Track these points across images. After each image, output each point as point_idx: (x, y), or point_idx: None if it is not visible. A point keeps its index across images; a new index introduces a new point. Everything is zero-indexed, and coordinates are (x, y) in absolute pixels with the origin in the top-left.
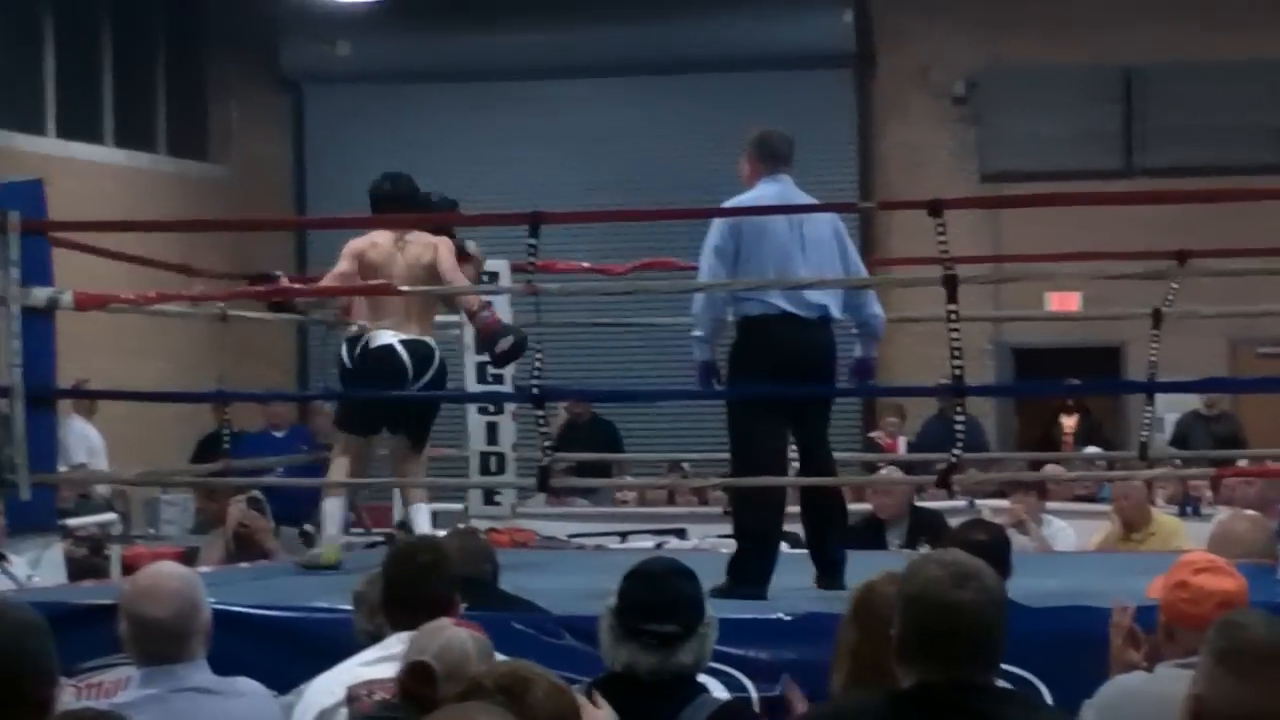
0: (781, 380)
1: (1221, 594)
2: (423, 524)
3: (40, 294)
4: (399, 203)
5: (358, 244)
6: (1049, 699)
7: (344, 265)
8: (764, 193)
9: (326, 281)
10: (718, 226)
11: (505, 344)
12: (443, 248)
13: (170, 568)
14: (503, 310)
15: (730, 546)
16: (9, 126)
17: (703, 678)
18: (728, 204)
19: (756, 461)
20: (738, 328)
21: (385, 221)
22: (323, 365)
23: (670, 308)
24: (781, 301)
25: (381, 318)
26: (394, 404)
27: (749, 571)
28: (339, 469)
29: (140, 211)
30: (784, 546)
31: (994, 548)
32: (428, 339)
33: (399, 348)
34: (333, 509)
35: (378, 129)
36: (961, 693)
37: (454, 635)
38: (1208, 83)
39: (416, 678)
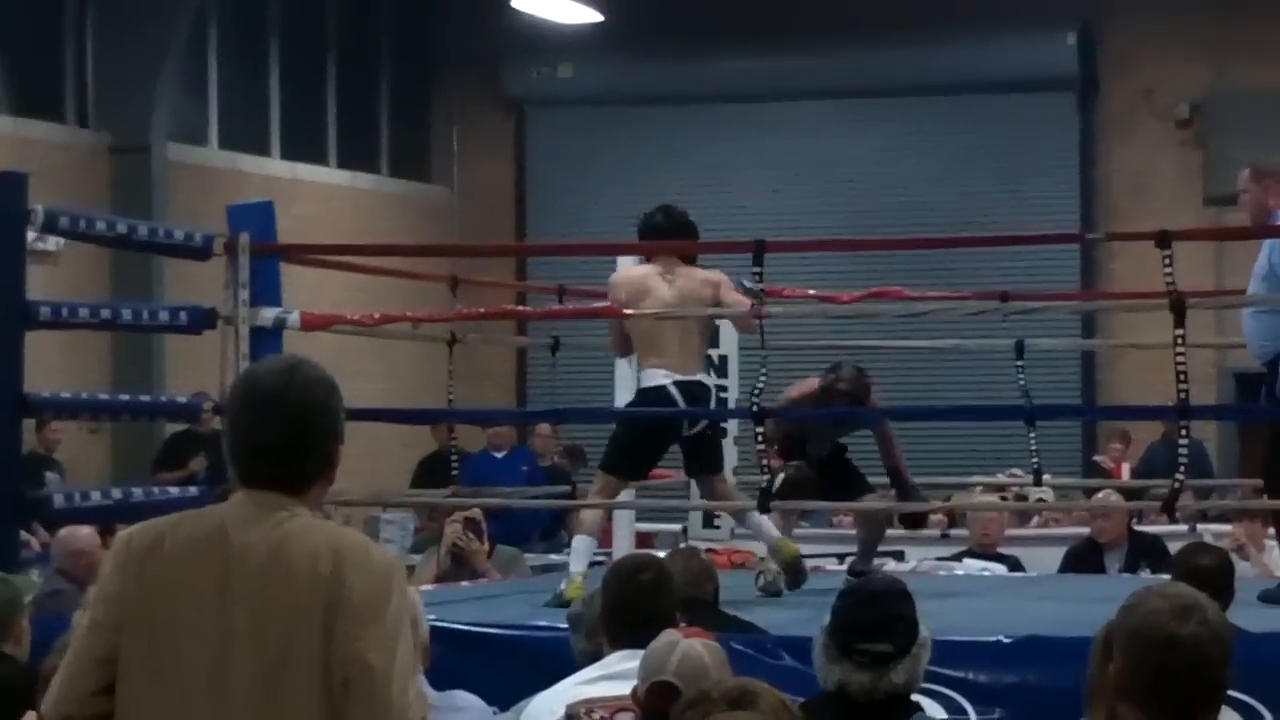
0: None
1: None
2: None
3: (268, 314)
4: (672, 234)
5: (624, 276)
6: None
7: (620, 295)
8: None
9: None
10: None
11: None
12: (725, 284)
13: None
14: (729, 334)
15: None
16: (236, 148)
17: (921, 699)
18: None
19: None
20: None
21: (612, 249)
22: (544, 386)
23: (892, 332)
24: None
25: (652, 355)
26: (664, 447)
27: None
28: (593, 511)
29: (363, 232)
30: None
31: (1218, 573)
32: (701, 377)
33: (671, 389)
34: (582, 546)
35: (599, 151)
36: None
37: (689, 648)
38: None
39: (659, 697)
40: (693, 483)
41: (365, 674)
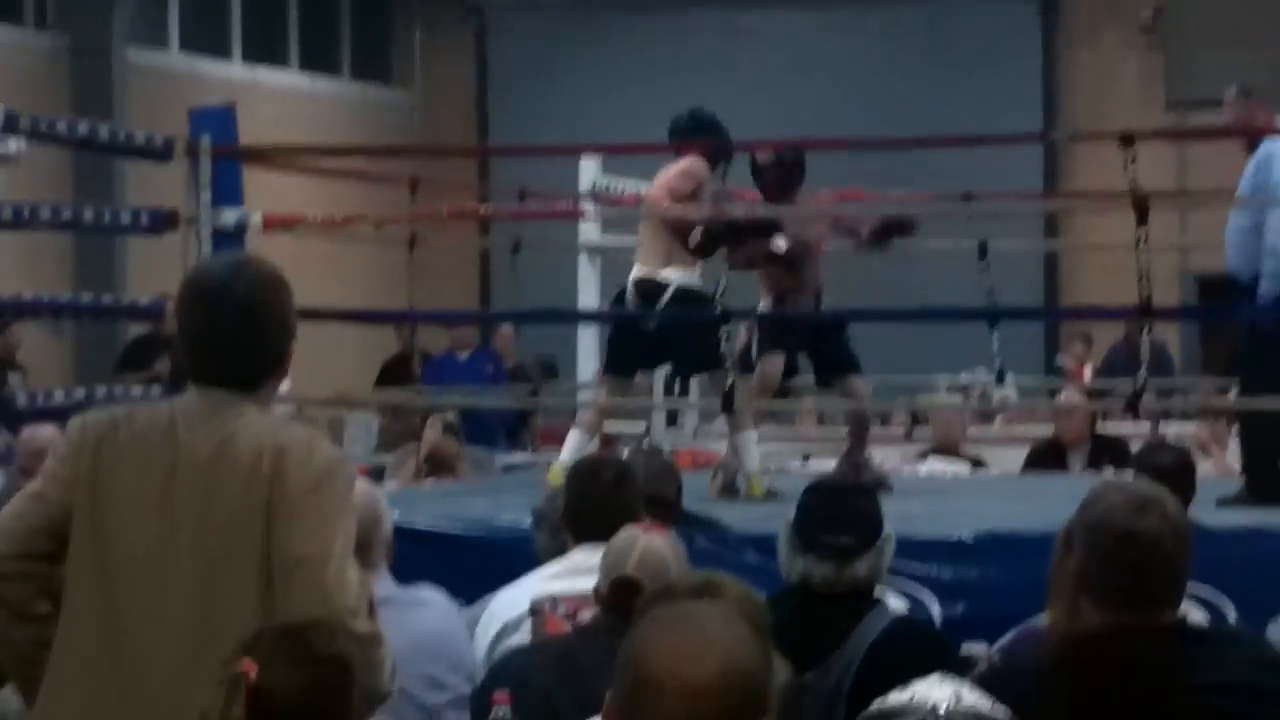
0: None
1: None
2: (748, 459)
3: (230, 216)
4: (694, 135)
5: None
6: (1235, 617)
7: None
8: None
9: None
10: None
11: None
12: (667, 174)
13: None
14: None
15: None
16: (196, 51)
17: (884, 595)
18: None
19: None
20: None
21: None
22: (507, 288)
23: None
24: None
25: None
26: (642, 346)
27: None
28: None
29: (324, 135)
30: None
31: (1178, 471)
32: (658, 275)
33: (629, 287)
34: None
35: (561, 54)
36: (1142, 639)
37: (649, 543)
38: None
39: (621, 592)
40: (655, 383)
41: (300, 565)
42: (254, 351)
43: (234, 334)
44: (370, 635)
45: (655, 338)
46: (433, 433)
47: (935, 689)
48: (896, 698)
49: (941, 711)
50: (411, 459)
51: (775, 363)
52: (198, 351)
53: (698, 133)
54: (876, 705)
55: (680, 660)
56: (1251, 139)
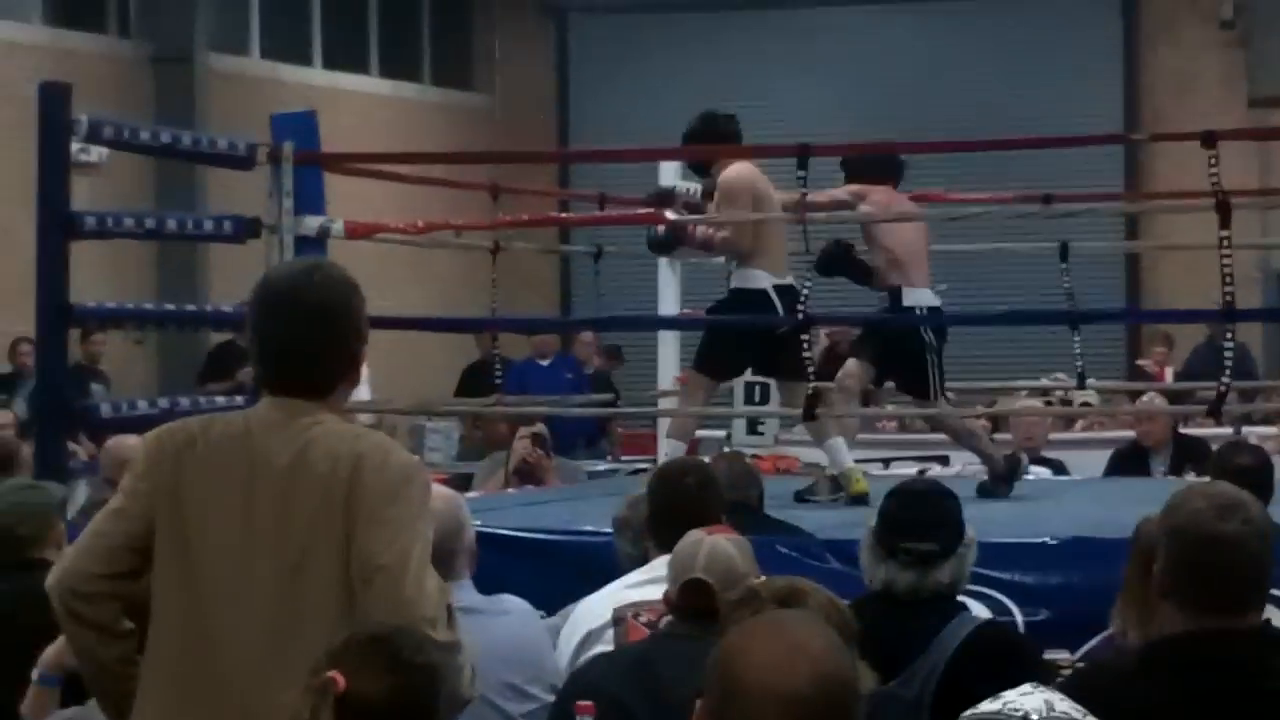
0: None
1: None
2: (840, 460)
3: (312, 223)
4: (708, 139)
5: (750, 173)
6: None
7: (749, 193)
8: None
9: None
10: None
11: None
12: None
13: (437, 489)
14: None
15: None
16: (277, 58)
17: (967, 600)
18: None
19: None
20: None
21: (653, 154)
22: (587, 294)
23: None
24: None
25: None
26: (754, 349)
27: None
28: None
29: (405, 141)
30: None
31: (1257, 472)
32: (789, 280)
33: (771, 291)
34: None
35: (640, 56)
36: (1226, 644)
37: (715, 544)
38: None
39: (692, 594)
40: (736, 388)
41: (379, 573)
42: (326, 356)
43: (305, 338)
44: (450, 643)
45: (757, 342)
46: (521, 445)
47: (1027, 698)
48: (988, 707)
49: None
50: (500, 469)
51: (859, 369)
52: (269, 356)
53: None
54: (969, 714)
55: (772, 670)
56: None
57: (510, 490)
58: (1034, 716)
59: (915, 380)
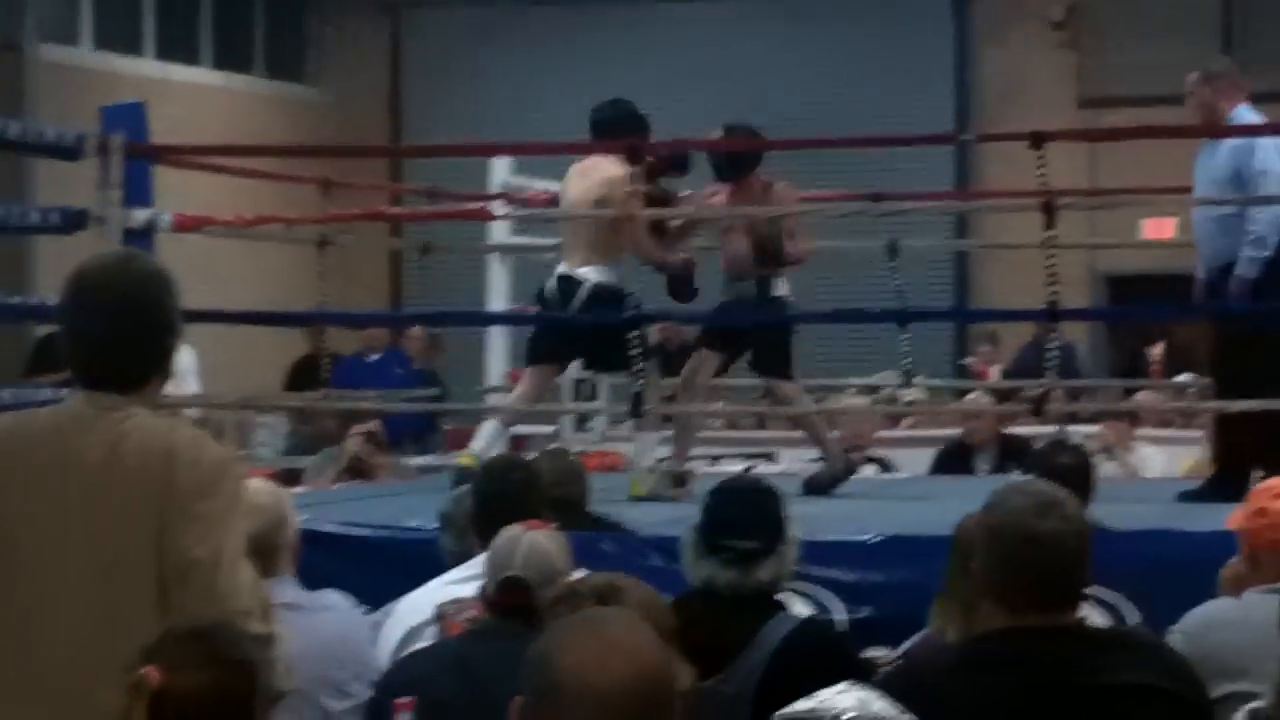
0: None
1: None
2: (646, 456)
3: (140, 215)
4: (615, 128)
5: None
6: (1138, 619)
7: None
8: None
9: None
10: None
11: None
12: (620, 184)
13: (260, 484)
14: None
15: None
16: (109, 48)
17: (788, 598)
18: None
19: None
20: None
21: (487, 150)
22: (417, 290)
23: None
24: None
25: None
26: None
27: None
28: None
29: (237, 134)
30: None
31: (1077, 471)
32: (578, 272)
33: (550, 283)
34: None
35: (477, 53)
36: (1043, 641)
37: (533, 540)
38: None
39: (510, 591)
40: (564, 385)
41: (194, 568)
42: (137, 349)
43: (116, 331)
44: (265, 635)
45: (571, 335)
46: (354, 442)
47: (842, 697)
48: (803, 706)
49: (847, 718)
50: (331, 465)
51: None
52: (80, 349)
53: (620, 129)
54: (782, 713)
55: (588, 667)
56: (1208, 127)
57: (335, 487)
58: (848, 715)
59: (776, 361)
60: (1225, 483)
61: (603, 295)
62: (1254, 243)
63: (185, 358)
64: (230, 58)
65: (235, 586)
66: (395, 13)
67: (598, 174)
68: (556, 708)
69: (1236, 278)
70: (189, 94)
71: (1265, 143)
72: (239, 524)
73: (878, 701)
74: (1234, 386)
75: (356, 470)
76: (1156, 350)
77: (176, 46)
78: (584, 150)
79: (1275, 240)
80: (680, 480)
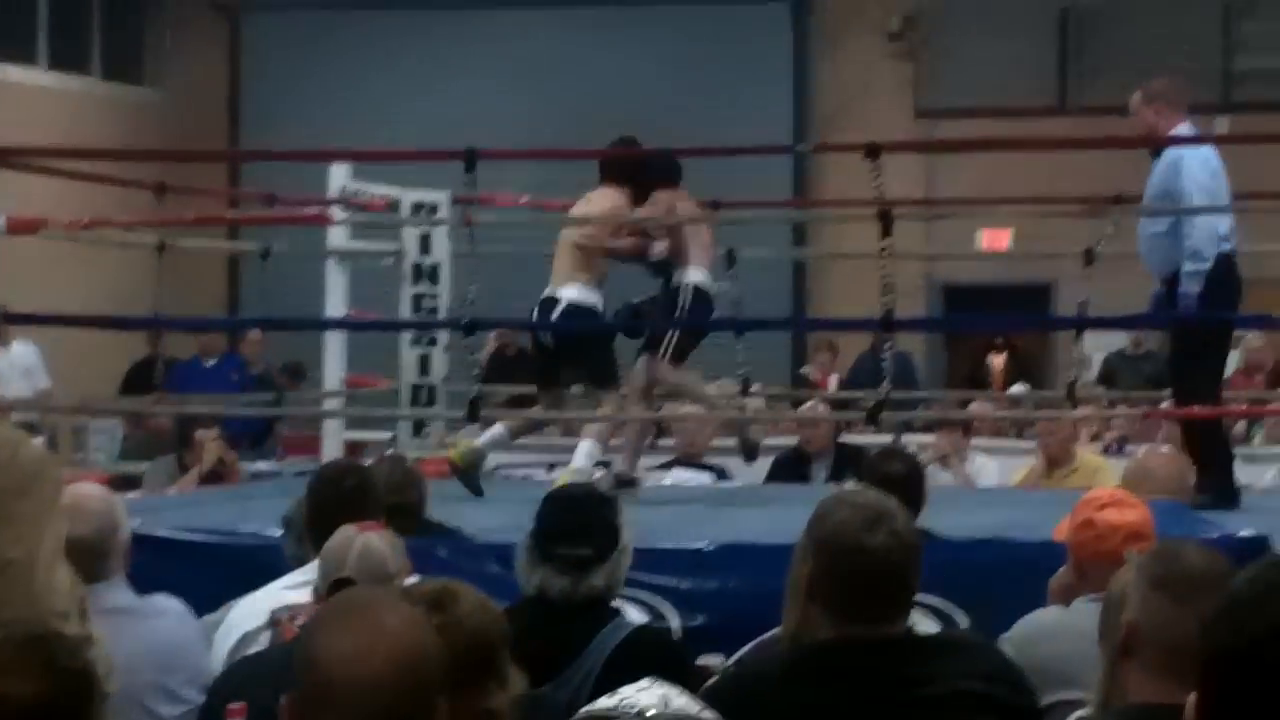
0: None
1: (1127, 527)
2: (580, 460)
3: None
4: (616, 168)
5: None
6: (968, 626)
7: None
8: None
9: None
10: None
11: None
12: (602, 201)
13: (92, 488)
14: (440, 242)
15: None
16: None
17: (623, 605)
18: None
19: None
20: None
21: (324, 155)
22: (255, 294)
23: None
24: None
25: None
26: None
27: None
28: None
29: (74, 136)
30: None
31: (908, 479)
32: (558, 292)
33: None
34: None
35: (315, 55)
36: (870, 652)
37: (366, 542)
38: (1146, 19)
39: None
40: (402, 391)
41: (9, 567)
42: None
43: None
44: (81, 638)
45: (557, 357)
46: (214, 447)
47: (644, 694)
48: (604, 703)
49: (649, 715)
50: (173, 471)
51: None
52: None
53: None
54: (584, 711)
55: (349, 655)
56: (1144, 145)
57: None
58: (650, 712)
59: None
60: (1211, 487)
61: (574, 314)
62: (1191, 256)
63: (30, 355)
64: (67, 59)
65: (51, 587)
66: (233, 15)
67: (597, 204)
68: (320, 697)
69: (1183, 294)
70: (24, 95)
71: (1191, 160)
72: (56, 525)
73: (679, 698)
74: (1189, 390)
75: (216, 475)
76: (998, 360)
77: (11, 47)
78: (414, 157)
79: (1212, 251)
80: (629, 483)
